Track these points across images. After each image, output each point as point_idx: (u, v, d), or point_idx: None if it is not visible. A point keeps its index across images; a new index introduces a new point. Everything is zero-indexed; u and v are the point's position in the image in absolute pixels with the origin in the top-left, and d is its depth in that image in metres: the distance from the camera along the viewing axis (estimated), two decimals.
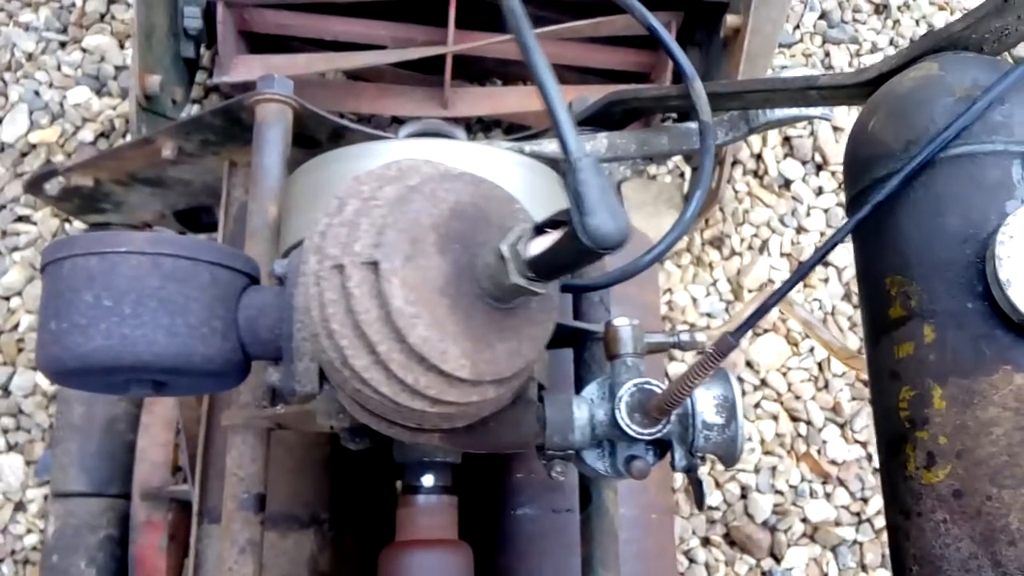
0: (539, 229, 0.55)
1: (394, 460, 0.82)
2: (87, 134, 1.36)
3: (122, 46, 1.41)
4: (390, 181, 0.59)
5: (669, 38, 0.81)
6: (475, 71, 1.44)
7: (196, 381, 0.64)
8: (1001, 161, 0.55)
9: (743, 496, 1.32)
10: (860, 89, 0.69)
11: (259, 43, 1.32)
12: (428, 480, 0.82)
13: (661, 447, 0.71)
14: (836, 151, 1.50)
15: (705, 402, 0.69)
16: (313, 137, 1.01)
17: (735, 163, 1.50)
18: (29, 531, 1.22)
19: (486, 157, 0.81)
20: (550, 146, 0.94)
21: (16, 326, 1.28)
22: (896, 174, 0.57)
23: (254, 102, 0.92)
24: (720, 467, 1.34)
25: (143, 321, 0.59)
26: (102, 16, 1.43)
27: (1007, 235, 0.52)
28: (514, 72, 1.46)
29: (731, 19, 1.19)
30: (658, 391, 0.67)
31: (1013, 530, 0.49)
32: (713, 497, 1.31)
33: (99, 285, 0.60)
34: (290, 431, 0.82)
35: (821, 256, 0.59)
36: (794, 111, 0.86)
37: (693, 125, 0.93)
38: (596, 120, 0.97)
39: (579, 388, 0.85)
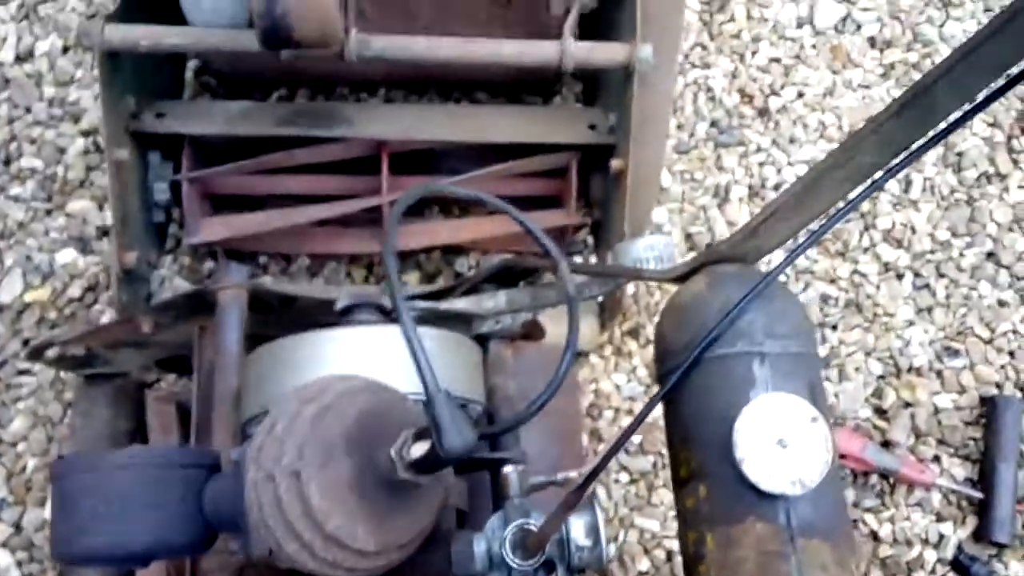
0: (419, 434, 0.75)
1: None
2: (75, 290, 1.57)
3: (101, 208, 1.62)
4: (309, 401, 0.80)
5: (539, 231, 1.02)
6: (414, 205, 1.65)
7: (176, 554, 0.85)
8: (745, 360, 0.76)
9: (668, 559, 1.52)
10: (672, 281, 0.90)
11: (222, 201, 1.53)
12: None
13: (548, 566, 0.91)
14: None
15: (577, 529, 0.89)
16: (268, 303, 1.21)
17: None
18: None
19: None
20: (460, 304, 1.15)
21: (24, 468, 1.48)
22: (677, 369, 0.78)
23: (215, 290, 1.13)
24: (648, 535, 1.53)
25: (131, 521, 0.80)
26: (82, 183, 1.64)
27: (742, 422, 0.73)
28: (448, 202, 1.67)
29: (615, 163, 1.40)
30: (535, 529, 0.87)
31: None
32: (643, 563, 1.52)
33: (95, 496, 0.80)
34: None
35: (632, 429, 0.80)
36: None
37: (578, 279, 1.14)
38: (497, 278, 1.18)
39: (496, 506, 1.05)
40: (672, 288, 0.89)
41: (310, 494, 0.74)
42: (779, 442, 0.72)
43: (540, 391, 1.00)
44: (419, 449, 0.74)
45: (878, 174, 0.76)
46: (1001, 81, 0.70)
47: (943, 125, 0.72)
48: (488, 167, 1.49)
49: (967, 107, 0.70)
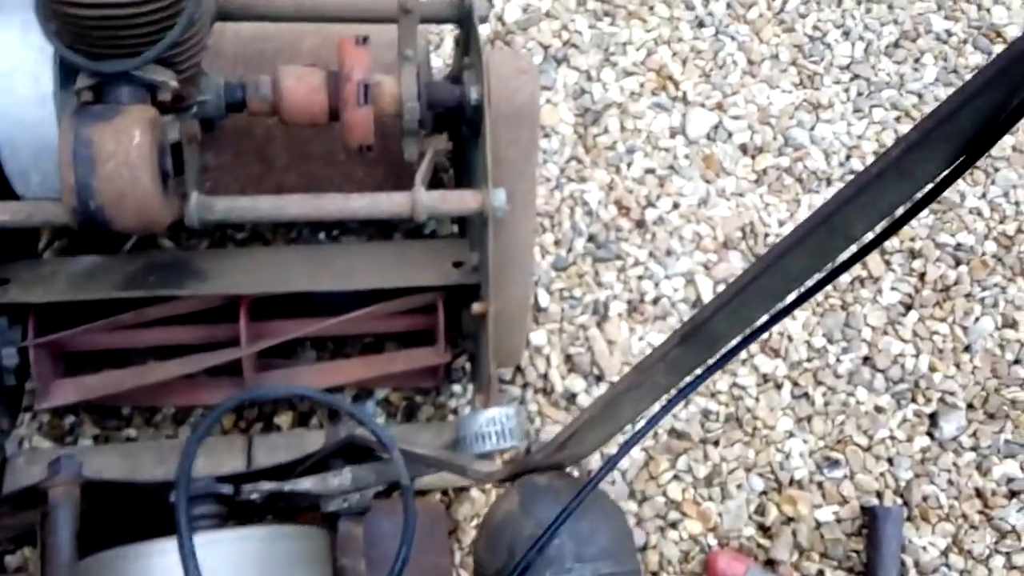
0: None
1: None
2: None
3: None
4: None
5: (371, 421, 1.00)
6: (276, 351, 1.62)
7: None
8: None
9: None
10: (499, 483, 0.88)
11: (75, 359, 1.48)
12: None
13: None
14: (612, 363, 1.71)
15: None
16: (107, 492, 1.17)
17: (525, 385, 1.70)
18: None
19: (242, 543, 0.98)
20: (305, 484, 1.12)
21: None
22: None
23: (46, 488, 1.09)
24: None
25: None
26: None
27: None
28: (324, 339, 1.64)
29: (476, 307, 1.39)
30: None
31: None
32: None
33: None
34: None
35: None
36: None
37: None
38: (343, 453, 1.15)
39: None
40: None
41: None
42: None
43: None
44: None
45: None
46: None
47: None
48: (353, 310, 1.46)
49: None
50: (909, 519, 1.64)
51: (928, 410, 1.72)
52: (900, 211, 0.67)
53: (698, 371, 0.73)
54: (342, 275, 1.44)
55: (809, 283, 0.70)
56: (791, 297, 0.70)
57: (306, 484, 1.11)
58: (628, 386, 0.74)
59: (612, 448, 1.48)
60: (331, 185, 1.54)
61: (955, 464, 1.69)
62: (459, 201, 1.34)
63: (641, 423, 0.80)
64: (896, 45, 2.00)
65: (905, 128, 1.90)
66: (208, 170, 1.40)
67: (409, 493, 0.99)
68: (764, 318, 0.71)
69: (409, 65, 1.33)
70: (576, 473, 1.56)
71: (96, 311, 1.40)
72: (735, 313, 0.68)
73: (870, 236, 0.69)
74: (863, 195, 0.58)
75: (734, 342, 0.73)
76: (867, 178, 0.57)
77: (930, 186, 0.65)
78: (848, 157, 1.90)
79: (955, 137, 0.56)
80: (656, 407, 0.79)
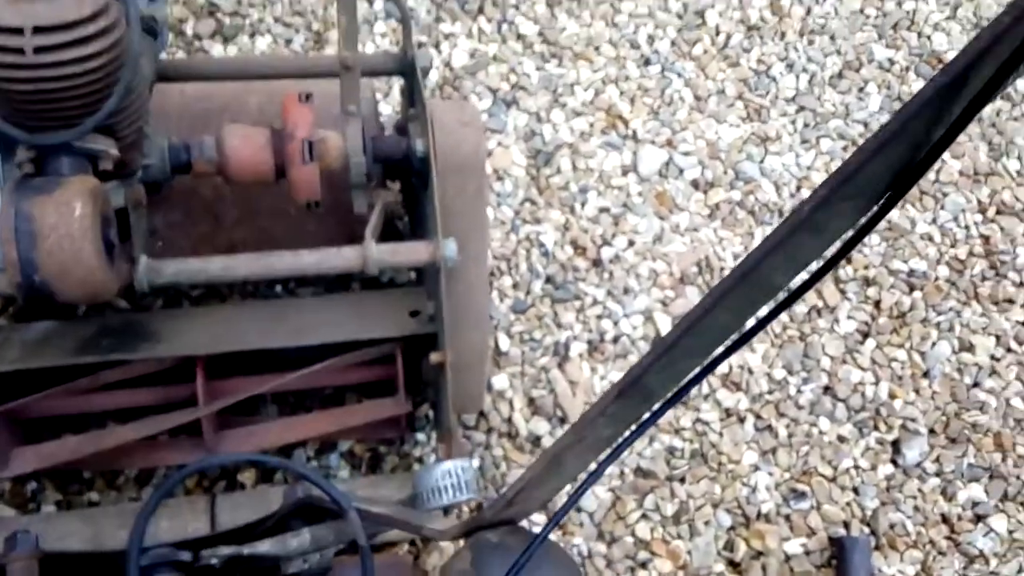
0: None
1: None
2: None
3: None
4: None
5: (324, 482, 1.00)
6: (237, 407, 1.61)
7: None
8: None
9: None
10: (452, 538, 0.88)
11: (33, 425, 1.47)
12: None
13: None
14: (575, 404, 1.71)
15: None
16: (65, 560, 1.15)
17: (489, 430, 1.69)
18: None
19: None
20: (264, 546, 1.11)
21: None
22: None
23: (3, 563, 1.07)
24: None
25: None
26: None
27: None
28: (273, 397, 1.63)
29: (434, 357, 1.39)
30: None
31: None
32: None
33: None
34: None
35: None
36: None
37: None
38: (299, 513, 1.14)
39: None
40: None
41: None
42: None
43: None
44: None
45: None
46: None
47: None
48: (314, 362, 1.46)
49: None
50: (877, 548, 1.64)
51: (890, 437, 1.73)
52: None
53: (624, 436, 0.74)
54: (297, 330, 1.44)
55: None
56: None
57: (265, 547, 1.11)
58: (571, 441, 0.75)
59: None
60: (283, 239, 1.54)
61: (920, 490, 1.70)
62: (410, 253, 1.35)
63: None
64: (840, 76, 2.04)
65: None
66: (158, 230, 1.40)
67: (366, 554, 0.99)
68: (720, 348, 0.71)
69: (353, 120, 1.34)
70: (543, 516, 1.56)
71: (52, 376, 1.39)
72: (666, 369, 0.69)
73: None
74: (779, 252, 0.59)
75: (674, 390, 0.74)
76: (781, 235, 0.58)
77: (863, 221, 0.66)
78: (799, 188, 1.93)
79: (863, 191, 0.57)
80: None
